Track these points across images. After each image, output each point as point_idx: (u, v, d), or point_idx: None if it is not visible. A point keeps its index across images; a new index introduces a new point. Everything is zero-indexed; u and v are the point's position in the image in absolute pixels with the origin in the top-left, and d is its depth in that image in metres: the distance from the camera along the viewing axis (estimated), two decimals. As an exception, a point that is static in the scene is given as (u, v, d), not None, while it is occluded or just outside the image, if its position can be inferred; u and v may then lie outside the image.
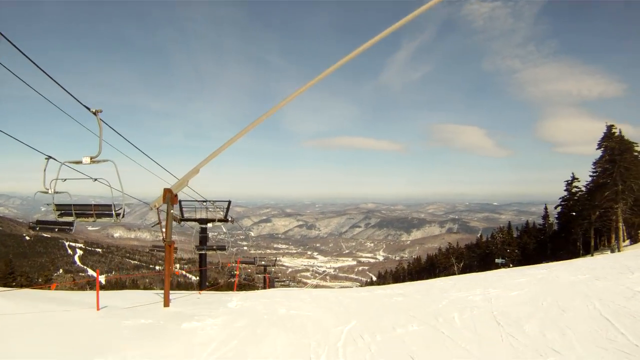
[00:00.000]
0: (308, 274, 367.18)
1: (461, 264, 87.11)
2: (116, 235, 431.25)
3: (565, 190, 70.23)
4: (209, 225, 35.54)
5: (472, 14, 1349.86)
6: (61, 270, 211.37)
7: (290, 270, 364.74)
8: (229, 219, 36.15)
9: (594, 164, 63.95)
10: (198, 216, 35.13)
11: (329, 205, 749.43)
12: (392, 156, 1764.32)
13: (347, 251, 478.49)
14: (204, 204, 33.71)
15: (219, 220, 35.86)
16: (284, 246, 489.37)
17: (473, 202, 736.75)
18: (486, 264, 75.84)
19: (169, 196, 16.19)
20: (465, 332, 11.86)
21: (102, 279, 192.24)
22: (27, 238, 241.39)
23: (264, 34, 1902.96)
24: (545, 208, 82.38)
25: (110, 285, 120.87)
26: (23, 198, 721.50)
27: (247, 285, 75.05)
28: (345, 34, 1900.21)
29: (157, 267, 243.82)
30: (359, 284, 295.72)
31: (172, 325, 12.55)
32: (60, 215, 16.64)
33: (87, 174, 15.31)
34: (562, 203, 71.42)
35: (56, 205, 16.24)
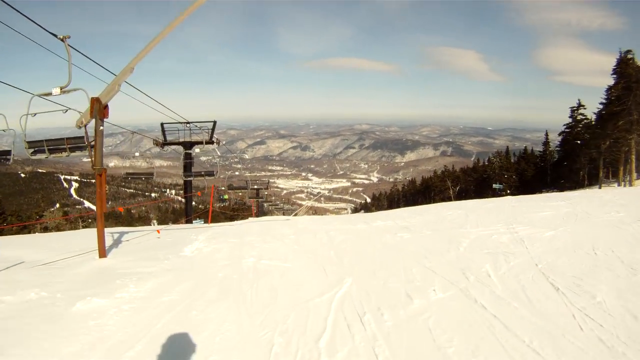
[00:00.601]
0: (303, 195, 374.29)
1: (457, 188, 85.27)
2: (111, 164, 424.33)
3: (569, 117, 66.42)
4: (196, 150, 32.66)
5: None
6: (57, 205, 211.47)
7: (285, 192, 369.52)
8: (214, 140, 33.09)
9: (607, 90, 59.48)
10: (182, 139, 32.46)
11: (323, 127, 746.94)
12: (387, 78, 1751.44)
13: (341, 172, 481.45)
14: (188, 125, 30.51)
15: (206, 143, 32.83)
16: (278, 168, 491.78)
17: (467, 125, 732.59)
18: (482, 188, 74.07)
19: (97, 107, 12.42)
20: (515, 304, 7.42)
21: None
22: (23, 175, 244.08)
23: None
24: (546, 134, 78.31)
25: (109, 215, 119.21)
26: (16, 135, 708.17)
27: (239, 209, 72.65)
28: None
29: (152, 195, 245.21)
30: (353, 205, 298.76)
31: (62, 306, 7.73)
32: (34, 152, 15.75)
33: (60, 104, 13.85)
34: (566, 130, 67.78)
35: (27, 142, 15.29)
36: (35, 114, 13.78)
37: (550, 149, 75.35)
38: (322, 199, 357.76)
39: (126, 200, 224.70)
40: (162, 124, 31.29)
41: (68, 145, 15.01)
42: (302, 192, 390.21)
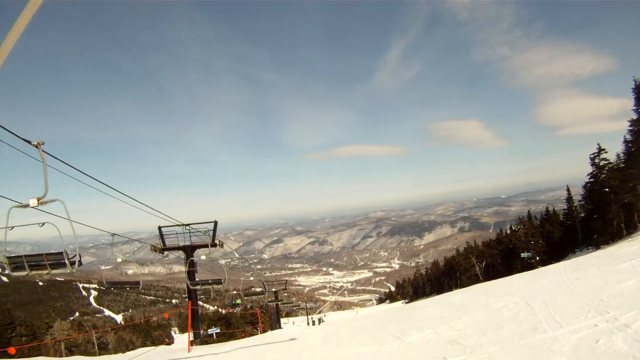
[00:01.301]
0: (325, 290, 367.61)
1: (483, 264, 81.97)
2: (130, 272, 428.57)
3: (591, 165, 62.21)
4: (202, 257, 30.49)
5: (456, 5, 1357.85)
6: (77, 314, 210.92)
7: (307, 289, 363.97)
8: (217, 243, 30.90)
9: (631, 124, 55.50)
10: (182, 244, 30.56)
11: (339, 219, 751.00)
12: (395, 160, 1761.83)
13: (361, 263, 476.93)
14: (187, 228, 28.58)
15: (208, 246, 30.21)
16: (298, 265, 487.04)
17: (481, 197, 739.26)
18: (510, 260, 70.62)
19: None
20: None
21: (119, 318, 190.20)
22: (40, 283, 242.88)
23: (253, 50, 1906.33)
24: (568, 190, 73.25)
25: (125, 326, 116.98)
26: (34, 244, 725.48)
27: (248, 321, 69.32)
28: (334, 40, 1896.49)
29: (173, 301, 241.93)
30: (377, 295, 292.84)
31: None
32: (15, 268, 13.70)
33: (48, 211, 12.64)
34: (590, 180, 63.33)
35: (8, 257, 13.55)
36: (12, 228, 12.47)
37: (574, 204, 70.72)
38: (345, 292, 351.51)
39: (147, 308, 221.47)
40: (159, 228, 28.59)
41: (48, 262, 13.48)
42: (324, 287, 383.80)
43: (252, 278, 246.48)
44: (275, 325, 56.43)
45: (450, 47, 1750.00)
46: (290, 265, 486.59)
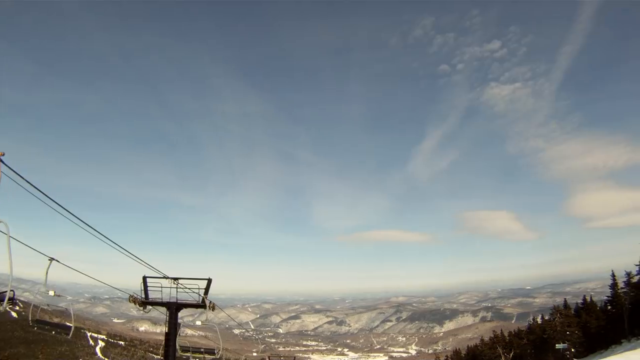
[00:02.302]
0: None
1: (511, 354, 75.83)
2: (141, 329, 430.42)
3: None
4: (197, 322, 26.76)
5: (494, 98, 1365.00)
6: None
7: None
8: (208, 305, 24.61)
9: None
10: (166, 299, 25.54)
11: (359, 300, 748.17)
12: (422, 247, 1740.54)
13: (378, 346, 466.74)
14: (175, 282, 23.39)
15: (198, 306, 24.04)
16: (313, 343, 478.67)
17: (505, 287, 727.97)
18: (541, 352, 64.70)
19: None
20: None
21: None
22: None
23: (293, 128, 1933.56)
24: (613, 276, 66.47)
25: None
26: (48, 286, 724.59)
27: None
28: (373, 125, 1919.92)
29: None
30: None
31: None
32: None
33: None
34: None
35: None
36: None
37: (617, 290, 63.95)
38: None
39: None
40: (144, 277, 23.66)
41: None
42: None
43: (255, 353, 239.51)
44: None
45: (485, 138, 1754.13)
46: (305, 342, 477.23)
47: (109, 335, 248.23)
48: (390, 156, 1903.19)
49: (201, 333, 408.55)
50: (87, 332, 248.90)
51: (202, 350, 28.30)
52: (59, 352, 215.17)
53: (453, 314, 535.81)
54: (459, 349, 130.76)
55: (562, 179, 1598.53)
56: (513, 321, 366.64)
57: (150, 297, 24.67)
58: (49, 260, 15.48)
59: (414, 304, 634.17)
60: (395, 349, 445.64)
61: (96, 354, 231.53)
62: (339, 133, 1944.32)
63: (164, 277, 23.19)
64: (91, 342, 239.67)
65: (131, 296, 23.21)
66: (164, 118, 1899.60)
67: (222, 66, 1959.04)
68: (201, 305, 23.75)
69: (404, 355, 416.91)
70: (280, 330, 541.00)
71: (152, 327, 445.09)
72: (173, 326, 23.63)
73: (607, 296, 67.29)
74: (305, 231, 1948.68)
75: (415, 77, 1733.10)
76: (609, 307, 65.46)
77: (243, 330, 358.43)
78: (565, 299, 69.81)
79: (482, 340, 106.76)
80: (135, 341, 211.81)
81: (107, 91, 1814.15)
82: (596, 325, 61.68)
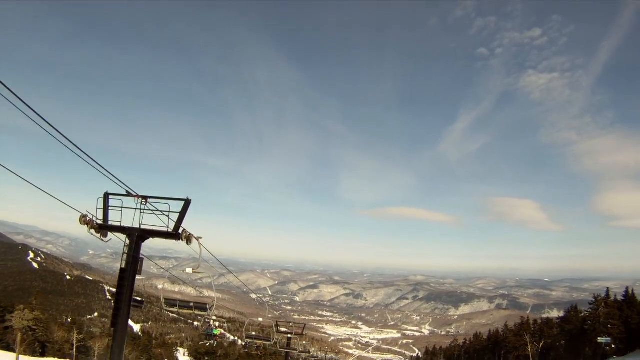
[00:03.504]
0: (350, 344, 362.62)
1: (541, 344, 71.47)
2: (160, 286, 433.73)
3: None
4: (187, 270, 18.40)
5: (530, 85, 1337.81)
6: (96, 314, 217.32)
7: (332, 338, 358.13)
8: (185, 234, 16.11)
9: None
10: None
11: (378, 276, 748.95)
12: (445, 229, 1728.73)
13: (392, 323, 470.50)
14: (143, 202, 15.92)
15: (167, 235, 15.98)
16: (328, 314, 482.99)
17: (524, 277, 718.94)
18: (577, 344, 60.08)
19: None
20: None
21: (137, 327, 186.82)
22: (68, 277, 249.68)
23: (324, 99, 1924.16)
24: None
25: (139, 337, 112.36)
26: (72, 239, 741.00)
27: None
28: (406, 102, 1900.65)
29: (195, 323, 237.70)
30: (402, 358, 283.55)
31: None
32: (167, 306, 21.44)
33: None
34: None
35: (165, 299, 20.59)
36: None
37: None
38: (370, 349, 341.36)
39: (167, 324, 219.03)
40: (106, 195, 17.88)
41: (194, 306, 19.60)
42: (350, 340, 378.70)
43: (260, 319, 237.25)
44: None
45: (518, 125, 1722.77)
46: (320, 312, 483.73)
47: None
48: (420, 135, 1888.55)
49: (215, 294, 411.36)
50: (105, 286, 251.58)
51: (191, 304, 24.40)
52: (76, 304, 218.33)
53: (469, 298, 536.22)
54: (480, 332, 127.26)
55: (592, 174, 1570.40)
56: (528, 311, 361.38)
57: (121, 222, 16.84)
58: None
59: (432, 284, 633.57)
60: (409, 327, 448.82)
61: (111, 307, 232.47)
62: (371, 108, 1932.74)
63: (129, 195, 17.21)
64: (108, 296, 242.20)
65: (83, 217, 15.48)
66: (195, 82, 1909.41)
67: (257, 34, 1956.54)
68: (172, 234, 16.66)
69: (417, 334, 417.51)
70: (297, 299, 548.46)
71: (170, 286, 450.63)
72: (133, 261, 16.79)
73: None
74: (329, 202, 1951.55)
75: (452, 59, 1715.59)
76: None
77: (261, 295, 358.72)
78: (607, 288, 64.35)
79: (506, 326, 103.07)
80: (152, 298, 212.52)
81: (139, 53, 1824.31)
82: (638, 321, 57.23)
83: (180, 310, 23.58)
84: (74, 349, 57.69)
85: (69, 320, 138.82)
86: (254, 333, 50.02)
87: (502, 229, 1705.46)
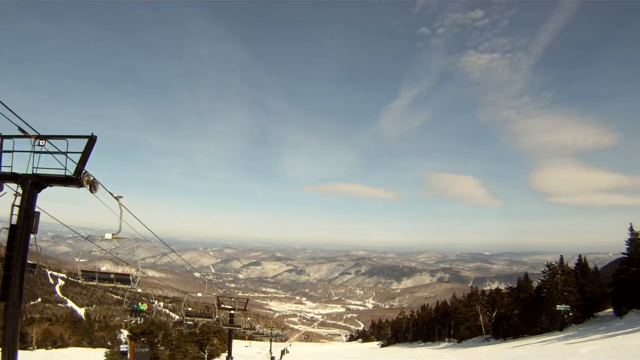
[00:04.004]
0: (296, 319, 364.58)
1: (494, 313, 71.85)
2: (103, 268, 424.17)
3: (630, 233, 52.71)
4: (107, 235, 14.50)
5: (470, 65, 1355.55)
6: (39, 299, 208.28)
7: (277, 315, 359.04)
8: (84, 180, 12.66)
9: None
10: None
11: (320, 252, 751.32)
12: (386, 204, 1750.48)
13: (336, 298, 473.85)
14: (38, 143, 12.54)
15: (66, 180, 12.76)
16: (272, 290, 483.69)
17: (465, 251, 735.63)
18: (533, 313, 60.03)
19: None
20: None
21: (81, 311, 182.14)
22: None
23: (266, 77, 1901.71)
24: (632, 230, 55.97)
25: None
26: (4, 221, 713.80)
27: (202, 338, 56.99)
28: (348, 80, 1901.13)
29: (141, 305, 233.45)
30: (347, 332, 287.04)
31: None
32: (85, 280, 18.46)
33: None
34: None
35: (83, 271, 17.82)
36: (90, 251, 16.82)
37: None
38: (315, 324, 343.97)
39: (111, 307, 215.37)
40: None
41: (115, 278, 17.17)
42: (295, 315, 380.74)
43: (200, 294, 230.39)
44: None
45: (457, 104, 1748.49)
46: (264, 289, 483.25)
47: (69, 274, 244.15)
48: (361, 112, 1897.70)
49: (160, 275, 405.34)
50: (47, 270, 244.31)
51: (112, 276, 21.58)
52: None
53: (411, 272, 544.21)
54: (427, 304, 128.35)
55: (530, 152, 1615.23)
56: (470, 284, 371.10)
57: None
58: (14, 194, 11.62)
59: (374, 259, 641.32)
60: (353, 302, 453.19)
61: (55, 292, 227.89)
62: (312, 85, 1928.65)
63: (23, 135, 12.26)
64: (51, 280, 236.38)
65: None
66: (135, 57, 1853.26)
67: (199, 8, 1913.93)
68: (72, 179, 12.98)
69: (361, 308, 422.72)
70: (241, 276, 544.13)
71: (113, 268, 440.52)
72: (26, 215, 12.62)
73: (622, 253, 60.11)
74: (271, 179, 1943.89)
75: (394, 36, 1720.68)
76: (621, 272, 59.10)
77: (204, 274, 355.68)
78: (561, 256, 64.39)
79: (454, 297, 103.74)
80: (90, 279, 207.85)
81: (76, 28, 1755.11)
82: (592, 288, 57.87)
83: (100, 284, 20.50)
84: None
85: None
86: (190, 309, 46.91)
87: (443, 204, 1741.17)
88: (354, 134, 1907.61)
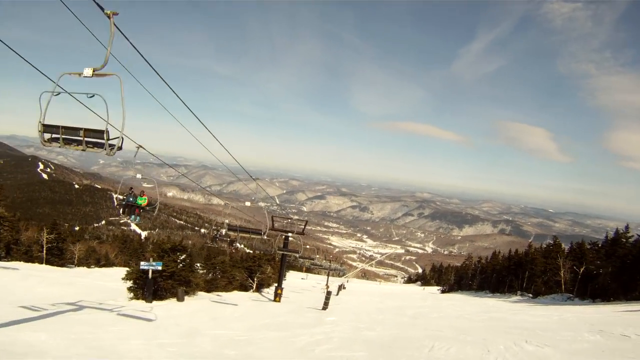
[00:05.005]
0: (354, 256, 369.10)
1: (582, 269, 65.36)
2: (169, 194, 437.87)
3: None
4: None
5: (552, 12, 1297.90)
6: (103, 222, 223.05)
7: (337, 250, 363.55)
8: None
9: None
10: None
11: (385, 190, 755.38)
12: (455, 148, 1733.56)
13: (396, 238, 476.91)
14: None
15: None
16: (334, 225, 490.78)
17: (528, 205, 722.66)
18: (632, 274, 52.47)
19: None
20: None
21: (144, 234, 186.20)
22: (77, 186, 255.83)
23: (339, 10, 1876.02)
24: None
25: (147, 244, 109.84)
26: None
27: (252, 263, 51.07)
28: (422, 18, 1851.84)
29: (202, 230, 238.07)
30: (404, 274, 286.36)
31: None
32: (48, 140, 11.81)
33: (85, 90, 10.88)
34: None
35: (43, 125, 11.42)
36: (58, 93, 10.64)
37: None
38: (373, 262, 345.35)
39: (173, 231, 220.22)
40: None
41: (85, 138, 11.46)
42: (354, 252, 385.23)
43: (247, 203, 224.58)
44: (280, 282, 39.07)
45: (536, 52, 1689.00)
46: (326, 223, 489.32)
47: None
48: (435, 52, 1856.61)
49: (181, 195, 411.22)
50: (113, 193, 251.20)
51: (80, 133, 17.33)
52: (84, 213, 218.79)
53: (474, 220, 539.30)
54: (498, 251, 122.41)
55: (607, 111, 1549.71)
56: (530, 240, 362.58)
57: None
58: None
59: (438, 203, 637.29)
60: (413, 244, 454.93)
61: (119, 214, 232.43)
62: (388, 21, 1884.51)
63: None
64: (116, 203, 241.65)
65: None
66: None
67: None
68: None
69: (420, 251, 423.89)
70: (304, 209, 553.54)
71: (179, 194, 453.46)
72: None
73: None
74: (340, 113, 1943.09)
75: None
76: None
77: (268, 204, 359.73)
78: (627, 224, 58.23)
79: (530, 245, 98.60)
80: (161, 205, 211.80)
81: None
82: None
83: (67, 147, 17.59)
84: (44, 251, 53.35)
85: (76, 228, 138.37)
86: (237, 223, 39.12)
87: (511, 154, 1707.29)
88: (426, 74, 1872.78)
